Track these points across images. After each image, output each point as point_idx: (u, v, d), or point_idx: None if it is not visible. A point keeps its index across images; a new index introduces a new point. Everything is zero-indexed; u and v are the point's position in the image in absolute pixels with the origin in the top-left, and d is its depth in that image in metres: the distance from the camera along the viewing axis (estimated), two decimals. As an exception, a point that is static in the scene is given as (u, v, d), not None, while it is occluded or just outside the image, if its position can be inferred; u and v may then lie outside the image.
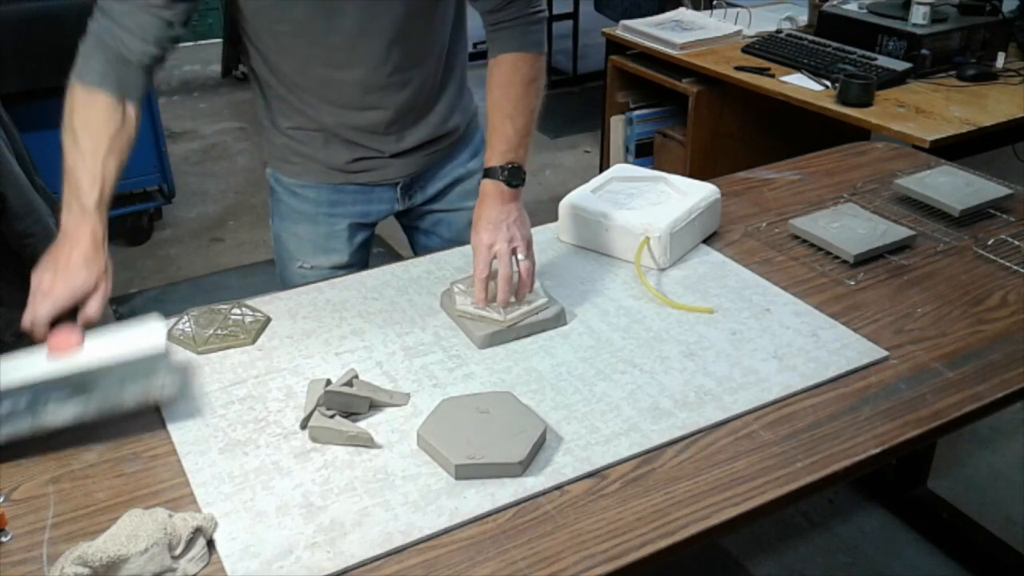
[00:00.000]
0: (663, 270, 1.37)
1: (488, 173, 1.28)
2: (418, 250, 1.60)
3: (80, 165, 1.12)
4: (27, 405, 1.01)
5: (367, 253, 1.58)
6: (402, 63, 1.33)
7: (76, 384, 1.02)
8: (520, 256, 1.23)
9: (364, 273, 1.38)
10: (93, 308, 1.08)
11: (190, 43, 5.48)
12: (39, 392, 1.02)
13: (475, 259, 1.23)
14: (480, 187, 1.28)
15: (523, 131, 1.31)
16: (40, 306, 1.06)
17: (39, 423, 1.00)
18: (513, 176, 1.27)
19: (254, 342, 1.20)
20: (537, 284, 1.27)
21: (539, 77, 1.35)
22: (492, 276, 1.21)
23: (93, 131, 1.14)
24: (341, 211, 1.49)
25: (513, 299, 1.22)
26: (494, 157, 1.29)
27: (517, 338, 1.21)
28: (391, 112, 1.38)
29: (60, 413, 1.01)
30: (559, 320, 1.24)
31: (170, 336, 1.20)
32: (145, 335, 1.08)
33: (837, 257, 1.40)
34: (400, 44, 1.31)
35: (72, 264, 1.07)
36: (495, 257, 1.22)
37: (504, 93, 1.32)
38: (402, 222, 1.62)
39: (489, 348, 1.19)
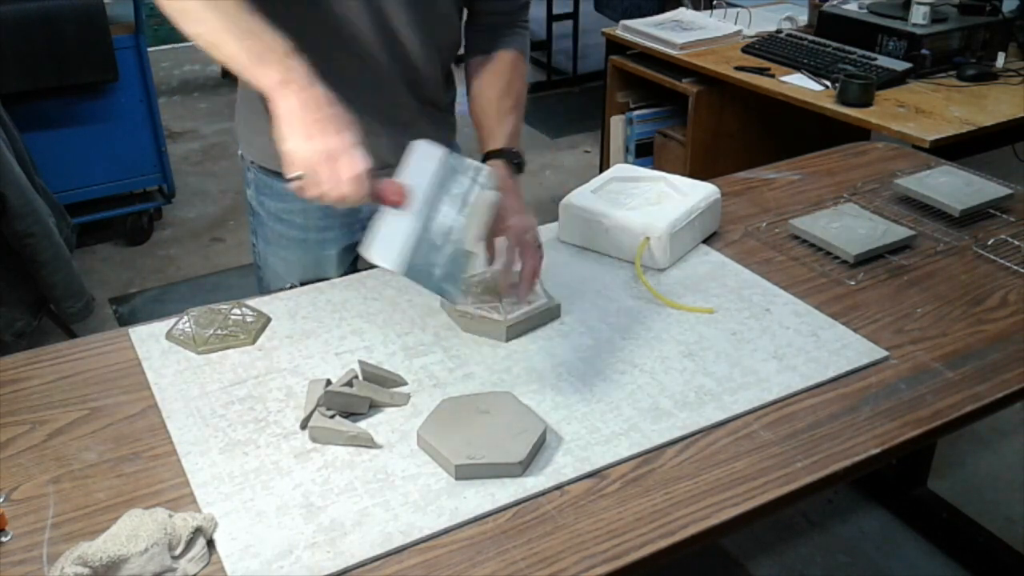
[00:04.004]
0: (663, 270, 1.37)
1: (498, 154, 1.25)
2: None
3: (237, 14, 1.01)
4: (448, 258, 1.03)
5: (355, 268, 1.56)
6: (427, 59, 1.34)
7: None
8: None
9: (364, 273, 1.38)
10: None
11: (190, 43, 5.49)
12: (430, 239, 1.02)
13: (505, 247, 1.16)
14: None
15: (520, 123, 1.31)
16: (359, 163, 0.97)
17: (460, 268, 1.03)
18: (521, 162, 1.26)
19: (254, 342, 1.20)
20: (537, 284, 1.27)
21: (527, 83, 1.38)
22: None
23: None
24: (331, 236, 1.46)
25: (503, 301, 1.23)
26: (501, 138, 1.26)
27: (516, 336, 1.21)
28: (414, 103, 1.37)
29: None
30: (553, 313, 1.24)
31: (170, 336, 1.20)
32: (424, 157, 1.05)
33: (837, 257, 1.40)
34: (432, 38, 1.31)
35: (343, 122, 0.98)
36: (519, 246, 1.16)
37: (509, 84, 1.33)
38: None
39: (489, 348, 1.19)
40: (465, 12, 1.40)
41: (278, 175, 1.44)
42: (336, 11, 1.23)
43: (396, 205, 1.02)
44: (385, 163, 1.41)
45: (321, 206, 1.44)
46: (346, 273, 1.51)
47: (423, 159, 1.06)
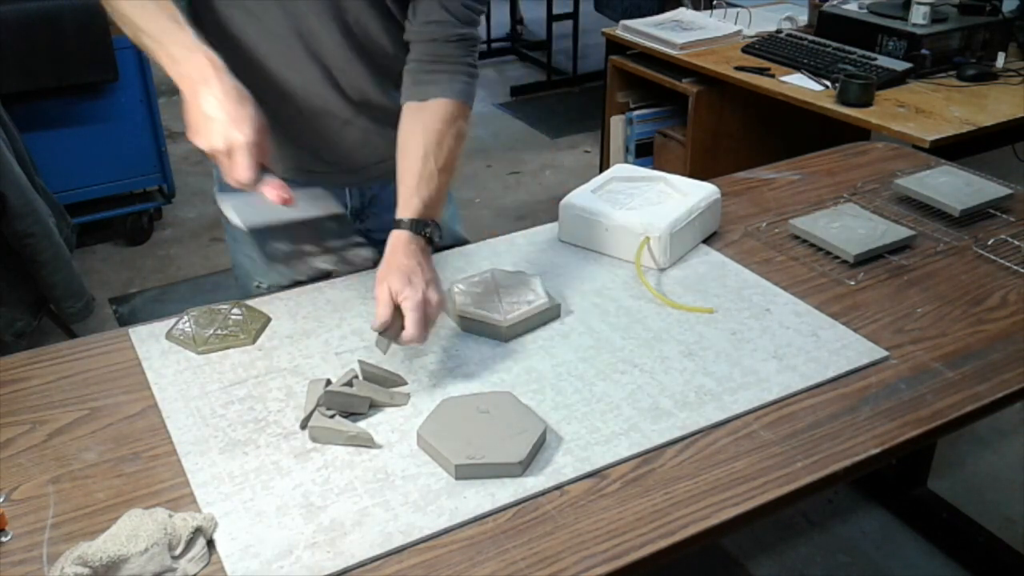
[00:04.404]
0: (663, 270, 1.37)
1: (408, 225, 1.15)
2: None
3: (156, 16, 1.08)
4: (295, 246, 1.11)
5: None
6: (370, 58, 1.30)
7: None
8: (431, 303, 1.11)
9: (364, 273, 1.38)
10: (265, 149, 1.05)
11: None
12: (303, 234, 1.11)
13: (378, 307, 1.10)
14: (392, 237, 1.15)
15: (446, 186, 1.21)
16: (250, 160, 1.01)
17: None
18: (434, 234, 1.16)
19: (254, 342, 1.20)
20: (537, 284, 1.27)
21: (466, 135, 1.24)
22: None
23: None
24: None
25: (503, 301, 1.22)
26: (418, 207, 1.16)
27: (516, 336, 1.21)
28: (345, 102, 1.33)
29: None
30: (553, 313, 1.24)
31: (170, 336, 1.20)
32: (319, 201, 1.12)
33: (837, 257, 1.40)
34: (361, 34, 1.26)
35: (241, 106, 1.02)
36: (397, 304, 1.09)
37: (438, 141, 1.19)
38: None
39: (489, 348, 1.19)
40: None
41: None
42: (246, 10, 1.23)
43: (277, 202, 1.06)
44: (327, 162, 1.39)
45: (279, 205, 1.43)
46: (320, 272, 1.49)
47: (318, 201, 1.13)
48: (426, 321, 1.09)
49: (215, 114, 1.02)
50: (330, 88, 1.31)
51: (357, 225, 1.51)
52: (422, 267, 1.12)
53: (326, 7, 1.23)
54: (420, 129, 1.20)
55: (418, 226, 1.15)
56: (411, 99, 1.23)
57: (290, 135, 1.35)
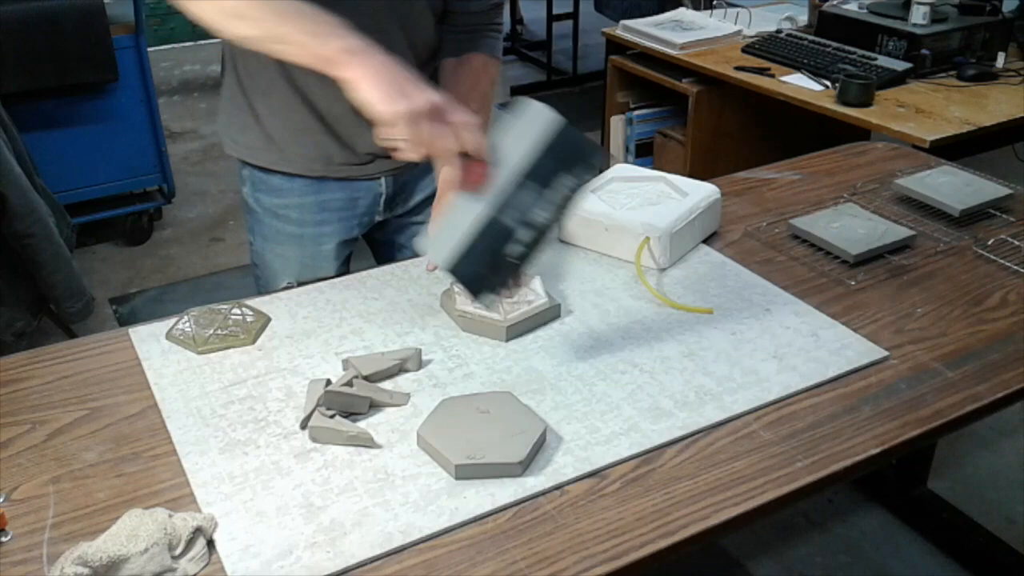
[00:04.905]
0: (663, 270, 1.37)
1: None
2: (383, 262, 1.53)
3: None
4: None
5: (348, 265, 1.57)
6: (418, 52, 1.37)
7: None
8: None
9: (364, 273, 1.38)
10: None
11: (190, 43, 5.49)
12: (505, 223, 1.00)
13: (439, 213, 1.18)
14: (442, 173, 1.20)
15: (485, 125, 1.31)
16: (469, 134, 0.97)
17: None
18: None
19: (254, 342, 1.20)
20: (537, 284, 1.27)
21: (497, 83, 1.39)
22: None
23: None
24: (327, 230, 1.47)
25: (504, 301, 1.22)
26: None
27: (516, 336, 1.21)
28: None
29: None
30: (553, 313, 1.24)
31: (170, 336, 1.20)
32: (532, 119, 0.99)
33: (837, 257, 1.40)
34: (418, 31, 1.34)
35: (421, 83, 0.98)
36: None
37: (473, 87, 1.35)
38: (374, 236, 1.60)
39: (489, 348, 1.19)
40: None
41: (273, 171, 1.44)
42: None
43: (472, 188, 1.00)
44: (364, 154, 1.42)
45: (317, 200, 1.45)
46: (342, 267, 1.52)
47: (532, 126, 1.00)
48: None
49: (406, 73, 0.98)
50: None
51: (387, 214, 1.52)
52: None
53: (388, 4, 1.28)
54: (457, 78, 1.37)
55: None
56: (448, 56, 1.40)
57: (334, 132, 1.40)
